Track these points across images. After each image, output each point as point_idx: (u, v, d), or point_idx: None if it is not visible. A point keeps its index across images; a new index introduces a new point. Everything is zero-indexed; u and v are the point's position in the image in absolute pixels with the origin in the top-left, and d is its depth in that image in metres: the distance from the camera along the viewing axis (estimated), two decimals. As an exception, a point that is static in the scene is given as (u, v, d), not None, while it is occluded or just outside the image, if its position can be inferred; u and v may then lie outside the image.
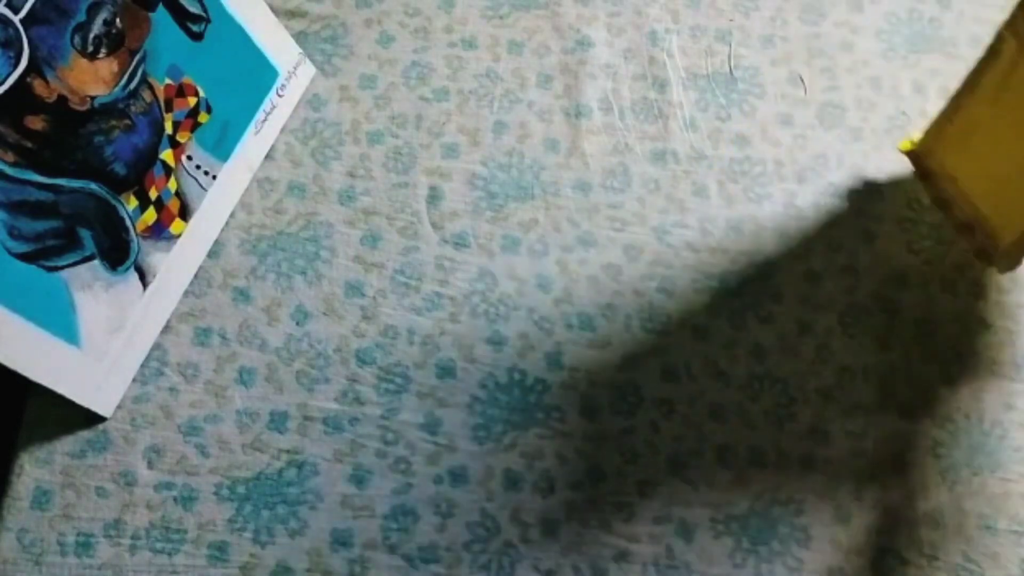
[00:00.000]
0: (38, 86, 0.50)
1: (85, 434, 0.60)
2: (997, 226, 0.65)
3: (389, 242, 0.66)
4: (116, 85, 0.55)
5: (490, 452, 0.61)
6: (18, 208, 0.51)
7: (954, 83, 0.63)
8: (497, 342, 0.64)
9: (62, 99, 0.52)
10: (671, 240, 0.67)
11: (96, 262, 0.56)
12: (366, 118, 0.70)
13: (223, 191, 0.65)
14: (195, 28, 0.60)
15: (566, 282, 0.66)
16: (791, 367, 0.65)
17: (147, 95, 0.58)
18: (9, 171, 0.50)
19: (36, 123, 0.51)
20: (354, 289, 0.65)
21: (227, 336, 0.63)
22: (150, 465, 0.60)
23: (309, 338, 0.63)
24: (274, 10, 0.66)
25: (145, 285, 0.60)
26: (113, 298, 0.58)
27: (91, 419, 0.60)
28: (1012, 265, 0.66)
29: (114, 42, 0.55)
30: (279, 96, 0.68)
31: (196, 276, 0.64)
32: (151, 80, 0.58)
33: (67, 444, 0.59)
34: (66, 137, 0.53)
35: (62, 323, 0.55)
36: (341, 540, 0.59)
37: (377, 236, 0.66)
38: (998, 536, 0.61)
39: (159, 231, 0.60)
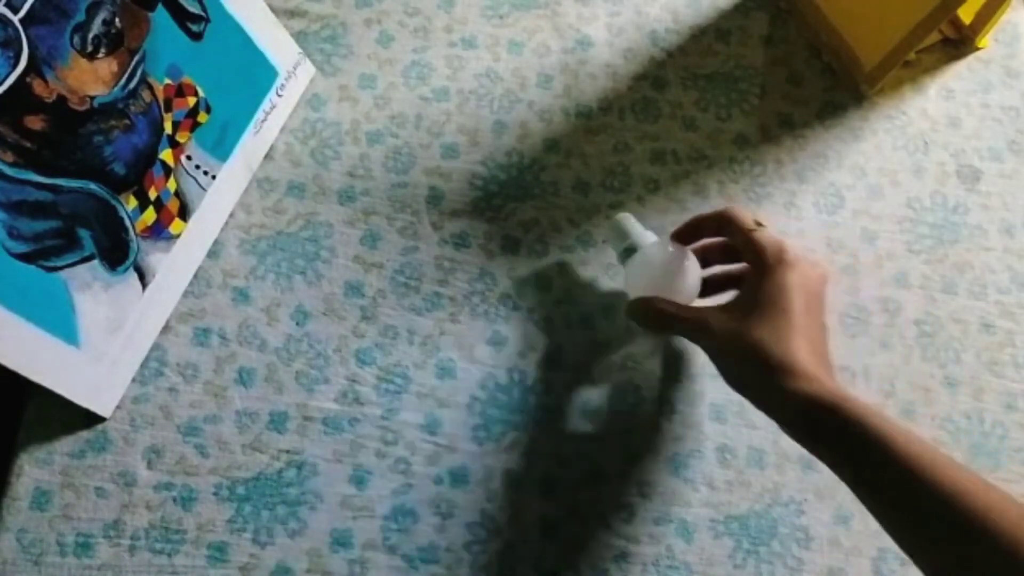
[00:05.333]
0: (37, 86, 0.50)
1: (84, 434, 0.60)
2: (859, 51, 0.71)
3: (389, 242, 0.66)
4: (115, 85, 0.55)
5: (490, 452, 0.61)
6: (17, 208, 0.51)
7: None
8: (497, 342, 0.64)
9: (61, 99, 0.52)
10: (671, 240, 0.67)
11: (95, 262, 0.56)
12: (366, 118, 0.70)
13: (222, 191, 0.65)
14: (194, 28, 0.60)
15: (566, 282, 0.66)
16: (791, 367, 0.65)
17: (146, 95, 0.58)
18: (8, 171, 0.50)
19: (35, 123, 0.51)
20: (354, 289, 0.65)
21: (227, 336, 0.63)
22: (150, 465, 0.60)
23: (309, 338, 0.63)
24: (274, 10, 0.66)
25: (144, 285, 0.60)
26: (112, 298, 0.58)
27: (90, 419, 0.60)
28: (873, 85, 0.71)
29: (113, 42, 0.54)
30: (279, 96, 0.67)
31: (196, 276, 0.64)
32: (150, 80, 0.58)
33: (66, 444, 0.59)
34: (65, 137, 0.53)
35: (61, 323, 0.55)
36: (341, 540, 0.59)
37: (377, 236, 0.66)
38: (998, 536, 0.61)
39: (158, 231, 0.60)
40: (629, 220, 0.62)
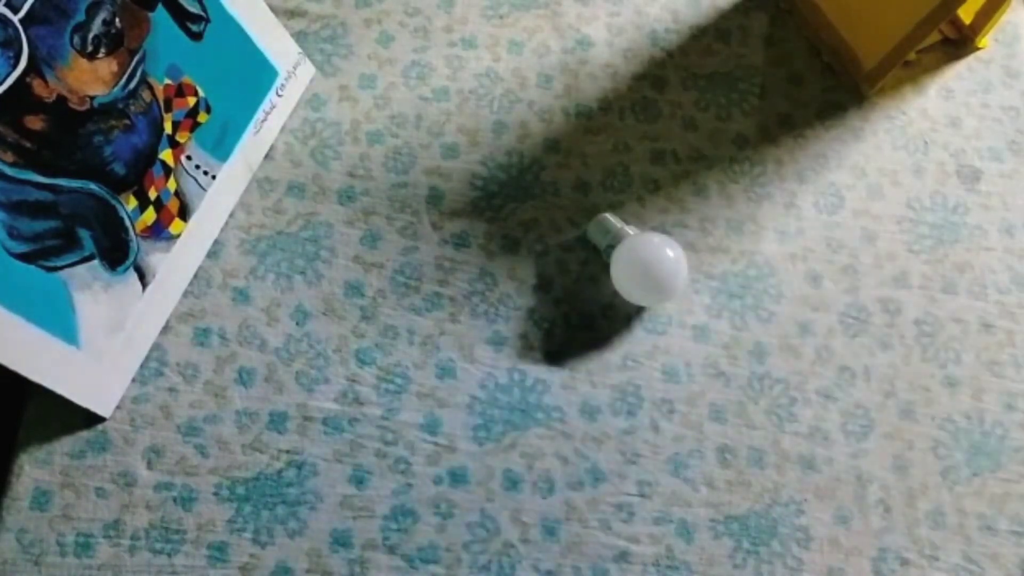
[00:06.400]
0: (37, 86, 0.50)
1: (84, 434, 0.60)
2: (859, 51, 0.71)
3: (389, 242, 0.66)
4: (115, 85, 0.55)
5: (490, 452, 0.61)
6: (17, 208, 0.51)
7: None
8: (497, 342, 0.64)
9: (61, 99, 0.52)
10: (671, 240, 0.67)
11: (95, 262, 0.56)
12: (366, 118, 0.70)
13: (222, 191, 0.65)
14: (194, 28, 0.60)
15: (566, 282, 0.66)
16: (791, 367, 0.65)
17: (146, 95, 0.58)
18: (8, 171, 0.50)
19: (35, 123, 0.51)
20: (354, 289, 0.65)
21: (227, 336, 0.63)
22: (149, 465, 0.60)
23: (309, 338, 0.63)
24: (274, 10, 0.66)
25: (144, 285, 0.60)
26: (112, 298, 0.58)
27: (90, 419, 0.60)
28: (874, 85, 0.72)
29: (113, 42, 0.54)
30: (278, 96, 0.67)
31: (195, 276, 0.64)
32: (150, 80, 0.58)
33: (66, 444, 0.59)
34: (65, 137, 0.53)
35: (61, 323, 0.55)
36: (341, 540, 0.59)
37: (377, 236, 0.66)
38: (998, 536, 0.61)
39: (158, 231, 0.60)
40: (607, 218, 0.65)
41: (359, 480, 0.60)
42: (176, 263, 0.62)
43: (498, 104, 0.71)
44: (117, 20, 0.54)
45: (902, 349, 0.66)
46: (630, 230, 0.65)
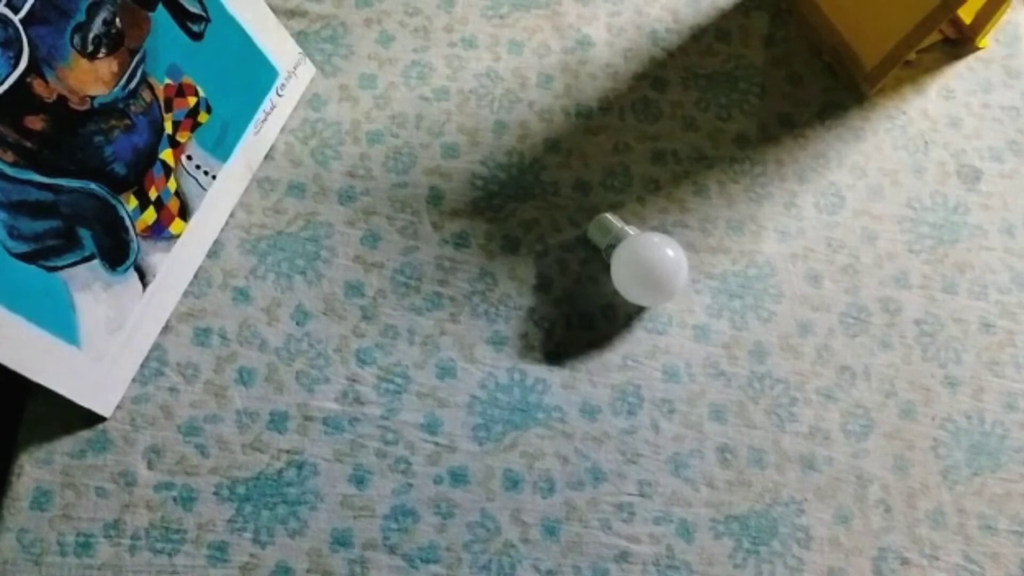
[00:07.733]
0: (38, 86, 0.50)
1: (85, 434, 0.60)
2: (859, 51, 0.71)
3: (389, 242, 0.66)
4: (116, 85, 0.55)
5: (490, 452, 0.61)
6: (18, 208, 0.51)
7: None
8: (497, 342, 0.64)
9: (62, 99, 0.52)
10: (671, 240, 0.67)
11: (96, 262, 0.56)
12: (366, 118, 0.70)
13: (223, 191, 0.65)
14: (195, 28, 0.60)
15: (566, 282, 0.66)
16: (791, 367, 0.65)
17: (147, 95, 0.58)
18: (9, 171, 0.50)
19: (36, 123, 0.51)
20: (354, 289, 0.65)
21: (227, 336, 0.63)
22: (150, 465, 0.60)
23: (309, 338, 0.63)
24: (274, 10, 0.66)
25: (145, 285, 0.60)
26: (113, 298, 0.58)
27: (91, 419, 0.60)
28: (874, 85, 0.71)
29: (114, 42, 0.54)
30: (279, 96, 0.67)
31: (196, 276, 0.64)
32: (151, 80, 0.58)
33: (67, 444, 0.59)
34: (66, 137, 0.53)
35: (62, 323, 0.55)
36: (341, 540, 0.59)
37: (377, 236, 0.66)
38: (998, 536, 0.62)
39: (159, 231, 0.60)
40: (608, 218, 0.66)
41: (359, 480, 0.60)
42: (176, 263, 0.62)
43: (498, 104, 0.71)
44: (117, 20, 0.54)
45: (902, 349, 0.66)
46: (630, 230, 0.65)
